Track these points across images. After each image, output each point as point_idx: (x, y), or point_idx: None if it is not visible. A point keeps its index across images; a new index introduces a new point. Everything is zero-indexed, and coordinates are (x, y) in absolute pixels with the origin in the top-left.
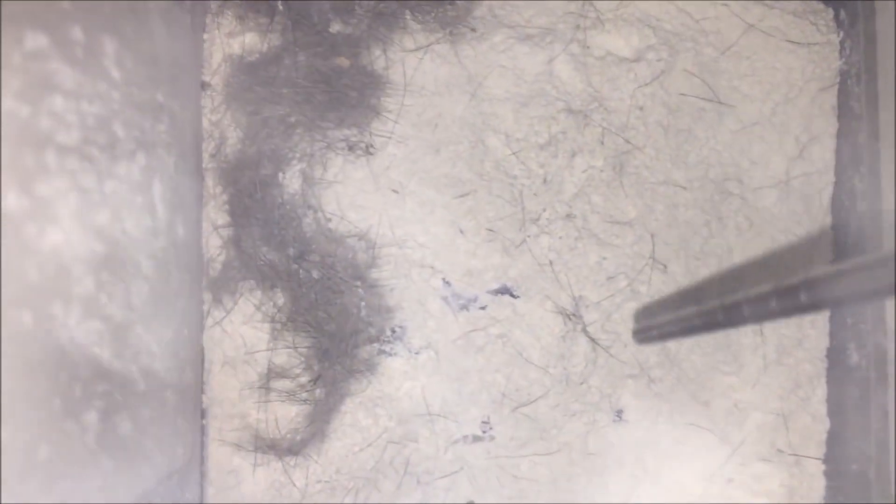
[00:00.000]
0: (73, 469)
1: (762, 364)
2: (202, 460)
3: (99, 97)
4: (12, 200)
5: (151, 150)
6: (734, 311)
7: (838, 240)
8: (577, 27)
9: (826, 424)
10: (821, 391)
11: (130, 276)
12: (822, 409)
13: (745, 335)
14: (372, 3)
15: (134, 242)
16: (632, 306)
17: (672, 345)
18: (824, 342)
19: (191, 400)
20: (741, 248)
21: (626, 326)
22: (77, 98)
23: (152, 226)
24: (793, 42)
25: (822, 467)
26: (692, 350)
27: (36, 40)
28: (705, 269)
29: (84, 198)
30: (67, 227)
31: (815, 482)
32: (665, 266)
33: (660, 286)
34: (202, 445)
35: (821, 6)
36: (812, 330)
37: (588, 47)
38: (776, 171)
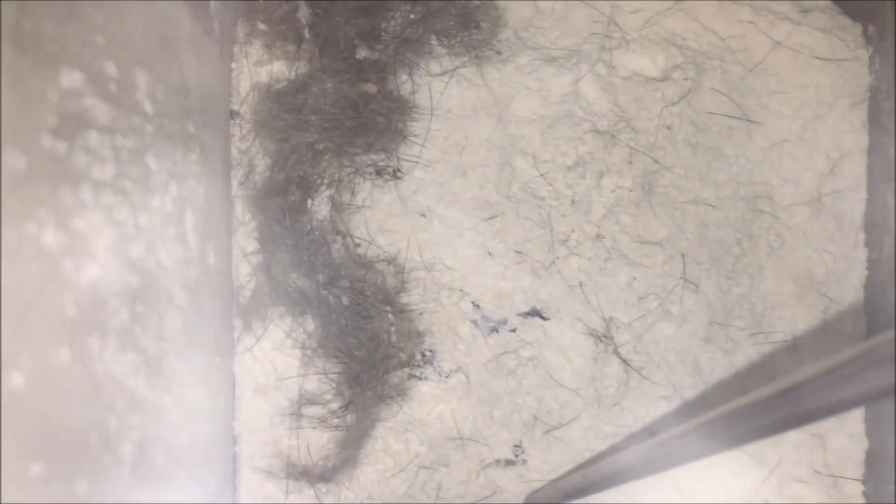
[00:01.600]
0: (109, 502)
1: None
2: (234, 487)
3: (132, 131)
4: (50, 237)
5: (183, 180)
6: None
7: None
8: (603, 48)
9: (864, 444)
10: (858, 410)
11: (164, 307)
12: (860, 428)
13: (780, 355)
14: (398, 28)
15: (167, 273)
16: (664, 326)
17: (706, 366)
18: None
19: (223, 428)
20: (773, 266)
21: (658, 347)
22: (111, 133)
23: (185, 256)
24: (821, 58)
25: (861, 488)
26: (726, 371)
27: (72, 78)
28: (737, 288)
29: (119, 231)
30: (103, 261)
31: None
32: (696, 285)
33: (691, 306)
34: (234, 472)
35: (849, 22)
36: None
37: (614, 67)
38: (807, 189)
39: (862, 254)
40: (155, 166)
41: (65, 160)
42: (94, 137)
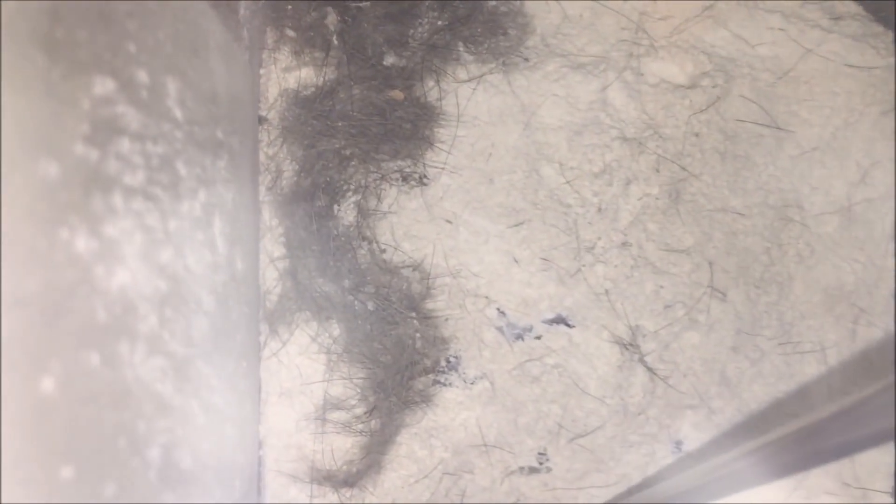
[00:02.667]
0: None
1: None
2: (259, 491)
3: (163, 137)
4: (82, 243)
5: (212, 186)
6: None
7: None
8: (631, 55)
9: (894, 456)
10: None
11: (192, 312)
12: (890, 440)
13: (807, 364)
14: (425, 35)
15: (196, 278)
16: (691, 335)
17: (733, 375)
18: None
19: (249, 432)
20: (802, 275)
21: (684, 356)
22: (142, 140)
23: (213, 261)
24: (852, 66)
25: (891, 501)
26: (753, 380)
27: (104, 85)
28: (766, 298)
29: (149, 237)
30: (133, 267)
31: None
32: (724, 294)
33: (719, 315)
34: (259, 476)
35: (880, 29)
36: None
37: (642, 74)
38: (837, 197)
39: (892, 263)
40: (184, 172)
41: (97, 167)
42: (125, 144)
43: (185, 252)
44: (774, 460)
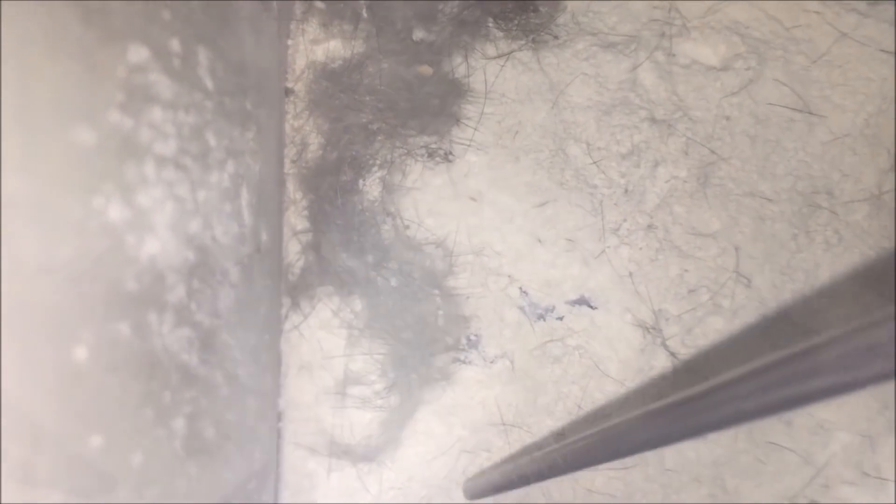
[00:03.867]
0: (161, 475)
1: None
2: (277, 463)
3: (194, 107)
4: (115, 212)
5: (240, 157)
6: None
7: None
8: (663, 34)
9: None
10: None
11: (218, 283)
12: None
13: None
14: (455, 10)
15: (223, 249)
16: (714, 321)
17: None
18: None
19: (269, 405)
20: (829, 263)
21: (707, 340)
22: (174, 109)
23: (239, 232)
24: (888, 52)
25: None
26: None
27: (138, 53)
28: (791, 285)
29: (178, 207)
30: (163, 237)
31: None
32: (749, 280)
33: (743, 301)
34: (278, 448)
35: None
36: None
37: (673, 55)
38: (868, 185)
39: None
40: (214, 143)
41: (130, 135)
42: (157, 113)
43: (213, 223)
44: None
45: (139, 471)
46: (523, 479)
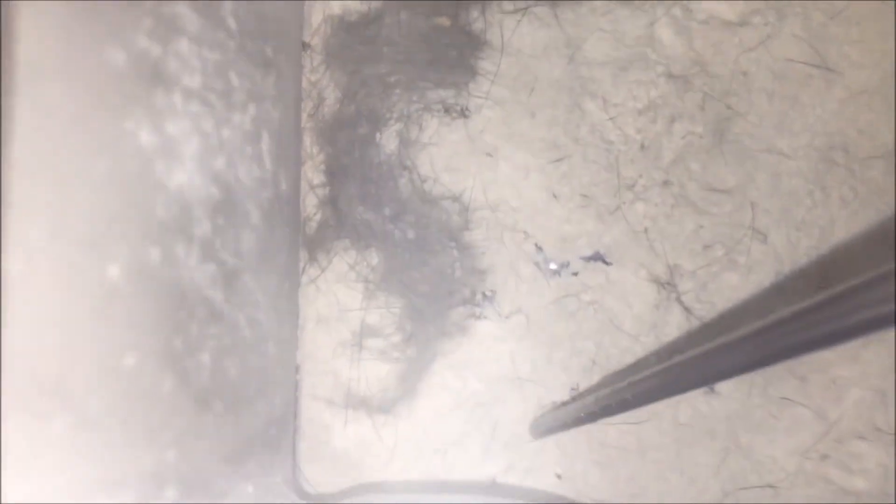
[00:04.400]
0: (189, 406)
1: (863, 339)
2: (295, 414)
3: (218, 45)
4: (145, 136)
5: (260, 102)
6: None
7: None
8: None
9: None
10: None
11: (241, 224)
12: None
13: None
14: None
15: (245, 190)
16: (729, 276)
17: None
18: None
19: (289, 354)
20: (845, 220)
21: (721, 297)
22: (199, 43)
23: (260, 176)
24: None
25: None
26: None
27: None
28: (807, 241)
29: (204, 142)
30: (190, 169)
31: None
32: (765, 236)
33: (759, 256)
34: (295, 400)
35: None
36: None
37: (691, 10)
38: (884, 141)
39: None
40: (237, 83)
41: (159, 63)
42: (184, 45)
43: (237, 163)
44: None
45: (168, 398)
46: (591, 416)
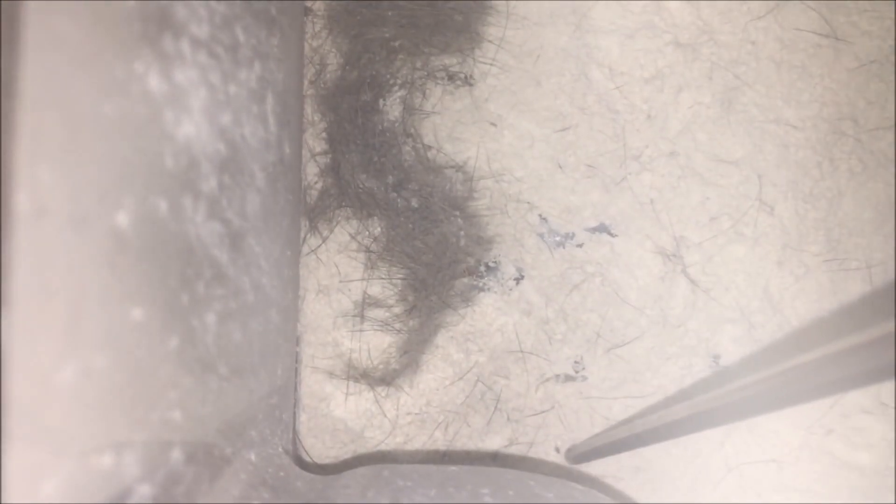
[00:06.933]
0: (195, 366)
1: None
2: (296, 386)
3: None
4: (154, 82)
5: (265, 61)
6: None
7: None
8: None
9: None
10: None
11: (246, 185)
12: None
13: (853, 283)
14: None
15: (251, 150)
16: (735, 248)
17: (775, 291)
18: None
19: (291, 323)
20: (853, 191)
21: (727, 269)
22: None
23: (265, 137)
24: None
25: None
26: (796, 297)
27: None
28: (814, 213)
29: (212, 95)
30: (197, 121)
31: None
32: (772, 208)
33: (766, 229)
34: (296, 372)
35: None
36: None
37: None
38: (893, 113)
39: None
40: (243, 39)
41: (166, 7)
42: None
43: (243, 121)
44: (813, 379)
45: (175, 356)
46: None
